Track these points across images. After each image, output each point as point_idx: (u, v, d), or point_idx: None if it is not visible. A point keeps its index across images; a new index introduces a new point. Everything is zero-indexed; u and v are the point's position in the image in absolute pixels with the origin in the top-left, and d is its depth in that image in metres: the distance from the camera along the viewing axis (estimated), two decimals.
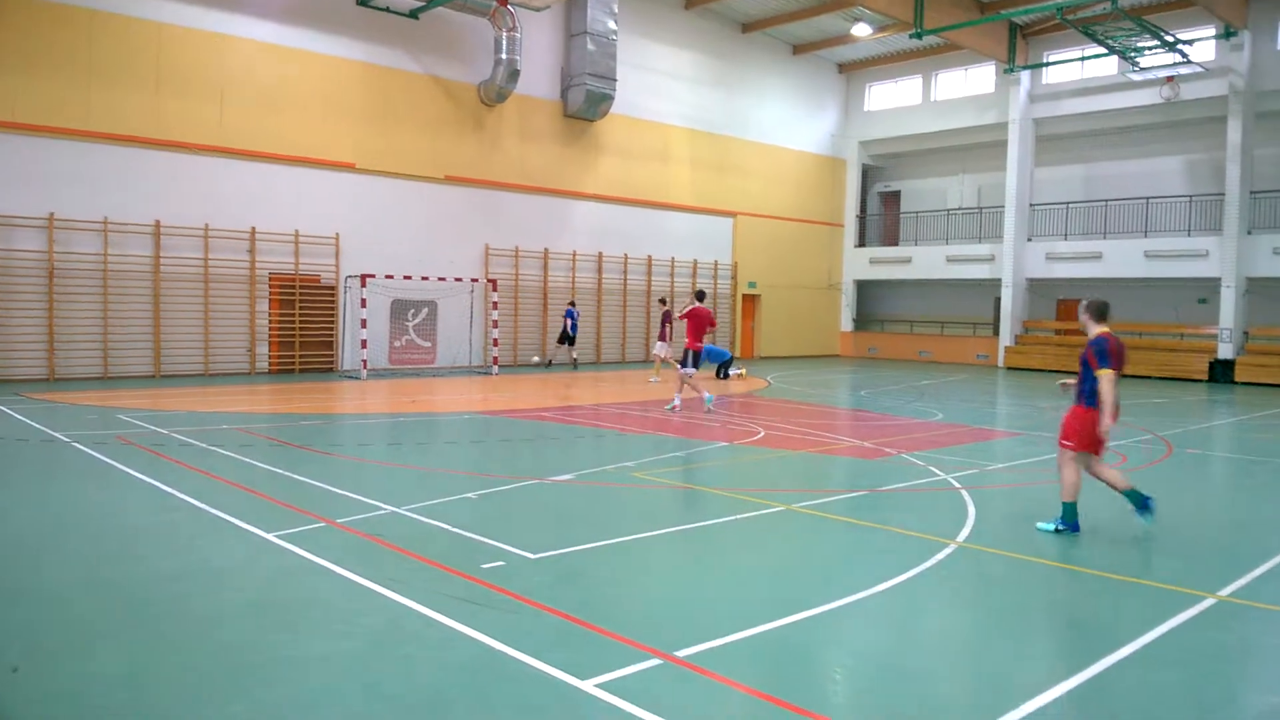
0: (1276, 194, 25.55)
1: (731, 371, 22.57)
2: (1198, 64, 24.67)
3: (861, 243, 34.78)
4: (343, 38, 21.11)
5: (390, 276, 21.08)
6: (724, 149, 29.75)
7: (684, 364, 15.14)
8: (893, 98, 33.21)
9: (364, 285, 20.34)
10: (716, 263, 29.91)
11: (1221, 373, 25.08)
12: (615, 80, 25.25)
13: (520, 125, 24.45)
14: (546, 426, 13.43)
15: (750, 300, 31.33)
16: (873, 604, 5.62)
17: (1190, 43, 24.05)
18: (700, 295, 15.66)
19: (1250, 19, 24.58)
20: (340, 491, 8.43)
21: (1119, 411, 7.10)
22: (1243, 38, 24.52)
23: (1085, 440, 7.38)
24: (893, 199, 35.79)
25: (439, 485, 8.90)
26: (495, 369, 22.45)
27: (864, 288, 35.17)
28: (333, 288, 21.31)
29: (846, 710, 4.22)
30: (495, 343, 22.76)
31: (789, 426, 13.89)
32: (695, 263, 29.16)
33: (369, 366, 20.47)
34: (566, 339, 24.16)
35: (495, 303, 22.88)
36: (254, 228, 20.04)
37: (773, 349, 31.98)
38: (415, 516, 7.50)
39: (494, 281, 23.05)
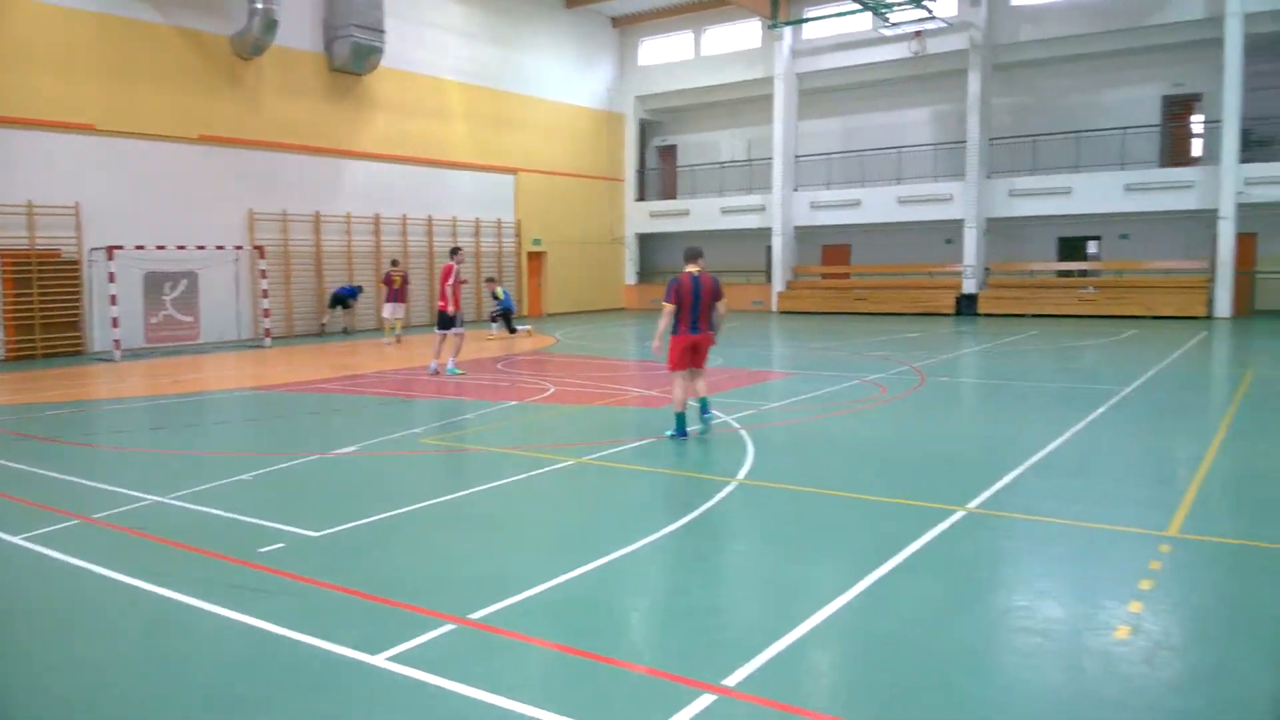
0: (1011, 140, 28.11)
1: (519, 328, 22.50)
2: (942, 19, 26.57)
3: (642, 197, 35.37)
4: None
5: (141, 247, 19.40)
6: (502, 104, 29.26)
7: (445, 326, 14.47)
8: (665, 53, 33.75)
9: (111, 258, 18.60)
10: (500, 221, 29.54)
11: (966, 306, 27.52)
12: (383, 32, 24.18)
13: (281, 80, 22.97)
14: (328, 398, 12.87)
15: (536, 257, 31.21)
16: (663, 546, 5.80)
17: None
18: (454, 252, 14.84)
19: None
20: (95, 485, 7.75)
21: (699, 336, 9.23)
22: None
23: (675, 361, 9.17)
24: (670, 153, 36.56)
25: (209, 469, 8.34)
26: (268, 341, 21.23)
27: (646, 241, 35.86)
28: (75, 262, 19.33)
29: (645, 650, 4.35)
30: (266, 313, 21.50)
31: (578, 381, 14.02)
32: (478, 221, 28.66)
33: (123, 347, 18.80)
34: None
35: (263, 271, 21.58)
36: None
37: (560, 305, 32.08)
38: (183, 505, 7.01)
39: (261, 248, 21.71)
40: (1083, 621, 4.45)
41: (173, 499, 7.17)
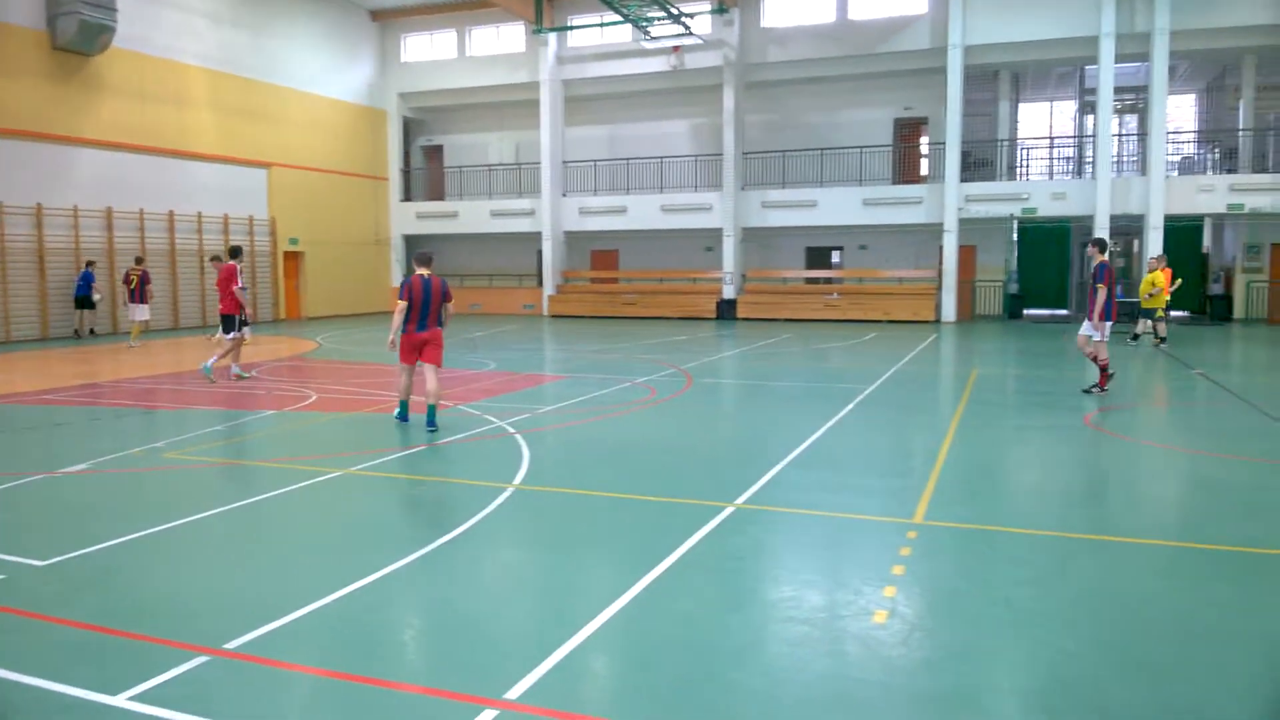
0: (763, 154, 29.75)
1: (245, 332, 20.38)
2: (698, 36, 27.70)
3: (408, 197, 34.42)
4: None
5: None
6: (253, 94, 27.51)
7: (229, 329, 13.97)
8: (429, 51, 33.03)
9: None
10: (252, 218, 27.75)
11: (726, 310, 28.84)
12: (115, 10, 22.06)
13: None
14: (54, 410, 11.55)
15: (293, 258, 29.58)
16: (435, 558, 5.63)
17: (692, 16, 26.89)
18: (235, 252, 14.44)
19: None
20: None
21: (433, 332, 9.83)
22: (733, 14, 27.99)
23: (403, 355, 10.02)
24: (436, 153, 35.82)
25: None
26: None
27: (412, 242, 34.82)
28: None
29: (420, 669, 4.18)
30: None
31: (342, 387, 13.41)
32: (227, 217, 26.77)
33: None
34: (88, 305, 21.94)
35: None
36: None
37: (321, 308, 30.59)
38: None
39: None
40: (844, 608, 4.74)
41: None
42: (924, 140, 29.70)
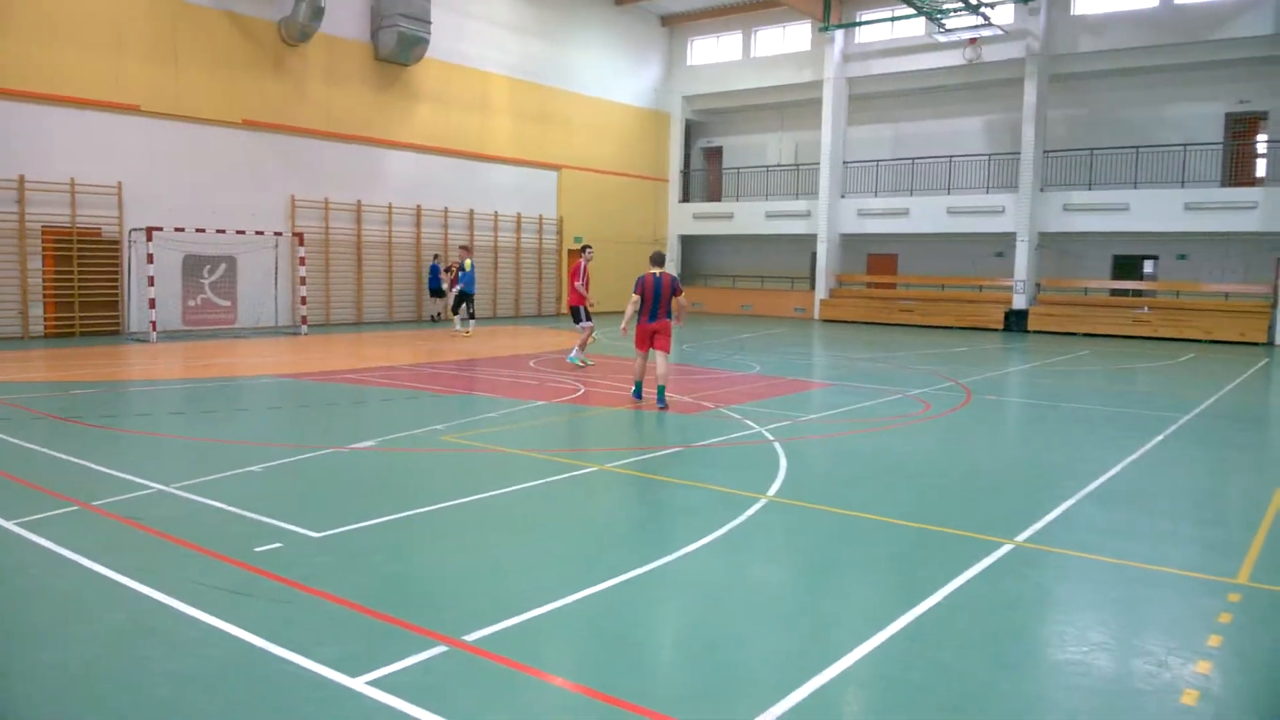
0: (1067, 153, 27.26)
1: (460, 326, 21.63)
2: (998, 27, 25.81)
3: (686, 198, 34.92)
4: None
5: (181, 229, 19.37)
6: (547, 100, 29.01)
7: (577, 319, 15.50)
8: (714, 53, 33.29)
9: (150, 239, 18.58)
10: (541, 217, 29.29)
11: (1016, 322, 26.71)
12: (430, 23, 24.02)
13: (327, 67, 22.90)
14: (355, 390, 12.62)
15: (577, 255, 30.83)
16: (681, 566, 5.39)
17: (992, 5, 25.10)
18: (584, 249, 15.80)
19: None
20: (103, 469, 7.51)
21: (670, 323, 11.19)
22: (1039, 2, 25.84)
23: (637, 342, 11.40)
24: (715, 155, 36.08)
25: (221, 458, 8.07)
26: (304, 329, 21.14)
27: (688, 242, 35.41)
28: (116, 242, 19.38)
29: (654, 691, 3.93)
30: (303, 300, 21.41)
31: (610, 382, 13.63)
32: (519, 217, 28.43)
33: (159, 328, 18.80)
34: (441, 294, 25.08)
35: (303, 258, 21.49)
36: (22, 175, 17.89)
37: (600, 304, 31.61)
38: (186, 495, 6.73)
39: (300, 235, 21.63)
40: (1143, 681, 3.96)
41: (176, 488, 6.90)
42: (1261, 138, 25.91)
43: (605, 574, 5.16)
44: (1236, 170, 25.94)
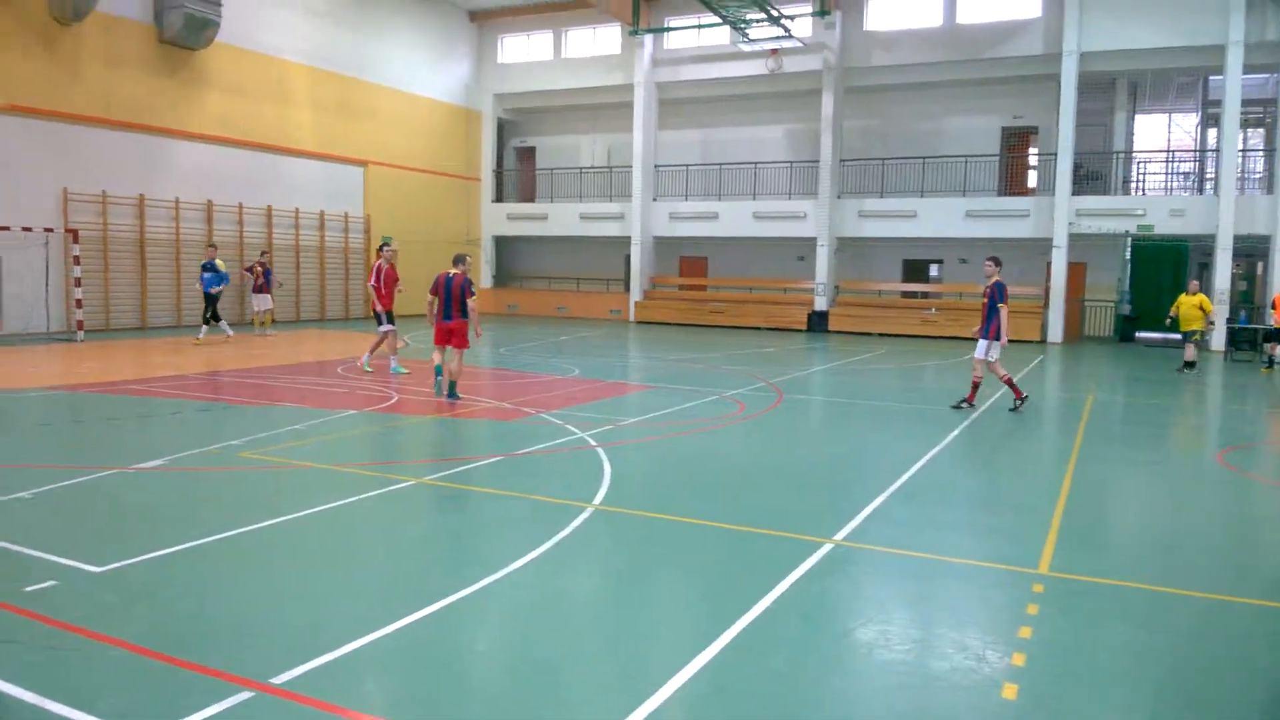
0: (861, 162, 28.80)
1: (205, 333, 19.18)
2: (798, 39, 26.92)
3: (499, 198, 34.44)
4: None
5: None
6: (351, 92, 27.81)
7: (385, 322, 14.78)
8: (525, 52, 32.99)
9: None
10: (347, 215, 28.05)
11: (818, 322, 27.96)
12: (220, 5, 22.46)
13: (105, 49, 20.96)
14: (140, 402, 11.55)
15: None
16: (507, 586, 5.17)
17: (792, 18, 26.15)
18: (383, 248, 15.29)
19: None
20: None
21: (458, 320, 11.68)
22: (835, 17, 27.15)
23: (435, 338, 12.04)
24: (529, 154, 35.80)
25: None
26: (80, 335, 19.25)
27: (503, 243, 34.94)
28: None
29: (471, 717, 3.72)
30: (79, 304, 19.51)
31: (424, 389, 13.16)
32: (323, 214, 27.11)
33: None
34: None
35: (77, 257, 19.55)
36: None
37: (411, 307, 30.55)
38: None
39: (74, 232, 19.69)
40: (966, 677, 4.10)
41: None
42: (1033, 151, 28.35)
43: (425, 599, 4.88)
44: (1011, 180, 28.22)
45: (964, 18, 26.42)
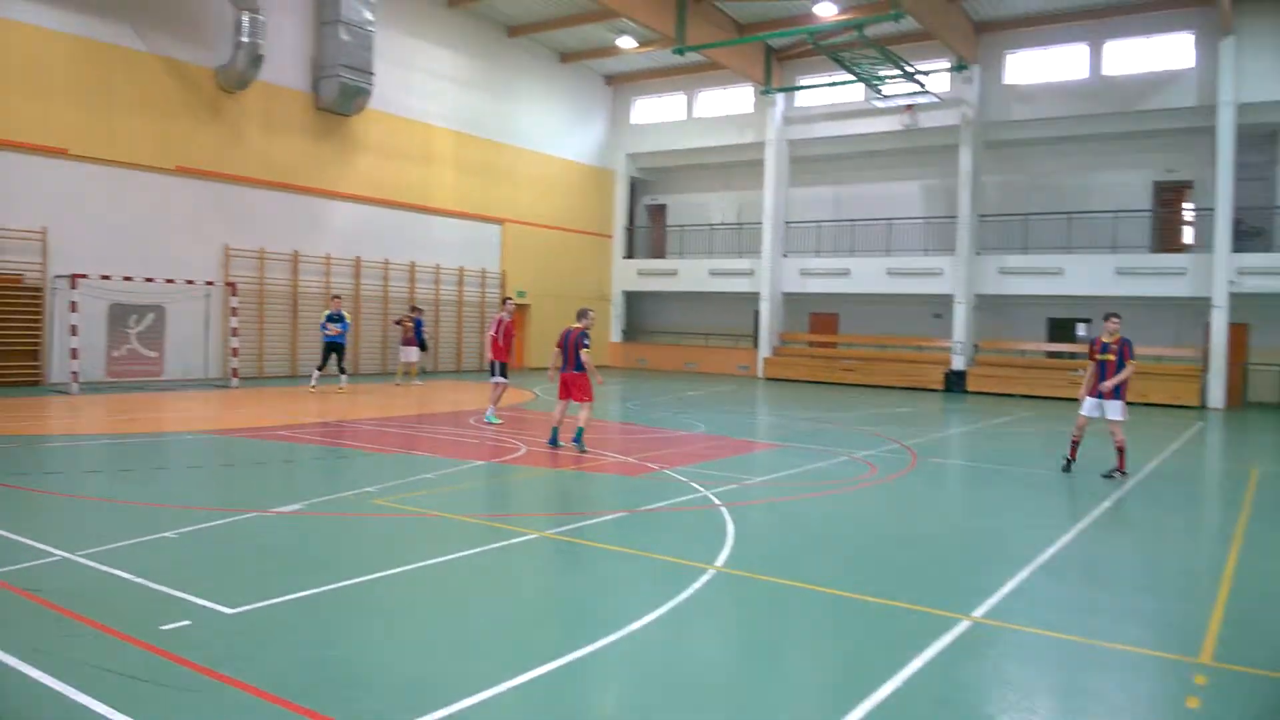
0: (1002, 218, 27.89)
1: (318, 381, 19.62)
2: (934, 94, 26.50)
3: (630, 254, 34.95)
4: (50, 7, 18.46)
5: (108, 277, 18.67)
6: (491, 154, 28.90)
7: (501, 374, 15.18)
8: (658, 112, 33.62)
9: (74, 286, 17.86)
10: (484, 271, 28.98)
11: (955, 382, 26.98)
12: (372, 74, 23.82)
13: (266, 116, 22.49)
14: (285, 447, 12.07)
15: (519, 310, 30.57)
16: (623, 649, 5.04)
17: (928, 74, 25.78)
18: (504, 302, 15.85)
19: (980, 54, 26.73)
20: (4, 534, 6.93)
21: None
22: (973, 71, 26.60)
23: (559, 392, 12.40)
24: (659, 212, 36.27)
25: (134, 522, 7.54)
26: (235, 381, 20.42)
27: (633, 299, 35.36)
28: (39, 289, 18.56)
29: None
30: (235, 352, 20.72)
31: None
32: (462, 270, 28.09)
33: (81, 379, 17.97)
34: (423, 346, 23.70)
35: (235, 308, 20.84)
36: None
37: (543, 360, 31.30)
38: (92, 564, 6.21)
39: (233, 285, 21.01)
40: None
41: (82, 556, 6.37)
42: (1188, 206, 26.85)
43: (542, 657, 4.80)
44: (1165, 237, 26.76)
45: (1110, 69, 25.42)
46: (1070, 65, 26.02)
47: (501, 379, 15.11)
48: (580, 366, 12.08)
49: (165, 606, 5.42)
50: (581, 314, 12.45)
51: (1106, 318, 11.79)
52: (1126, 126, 25.93)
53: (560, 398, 12.35)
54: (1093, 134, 26.66)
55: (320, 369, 19.48)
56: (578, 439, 12.06)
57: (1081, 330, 27.80)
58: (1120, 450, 11.48)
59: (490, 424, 14.79)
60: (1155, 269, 24.79)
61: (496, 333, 15.11)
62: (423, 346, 23.43)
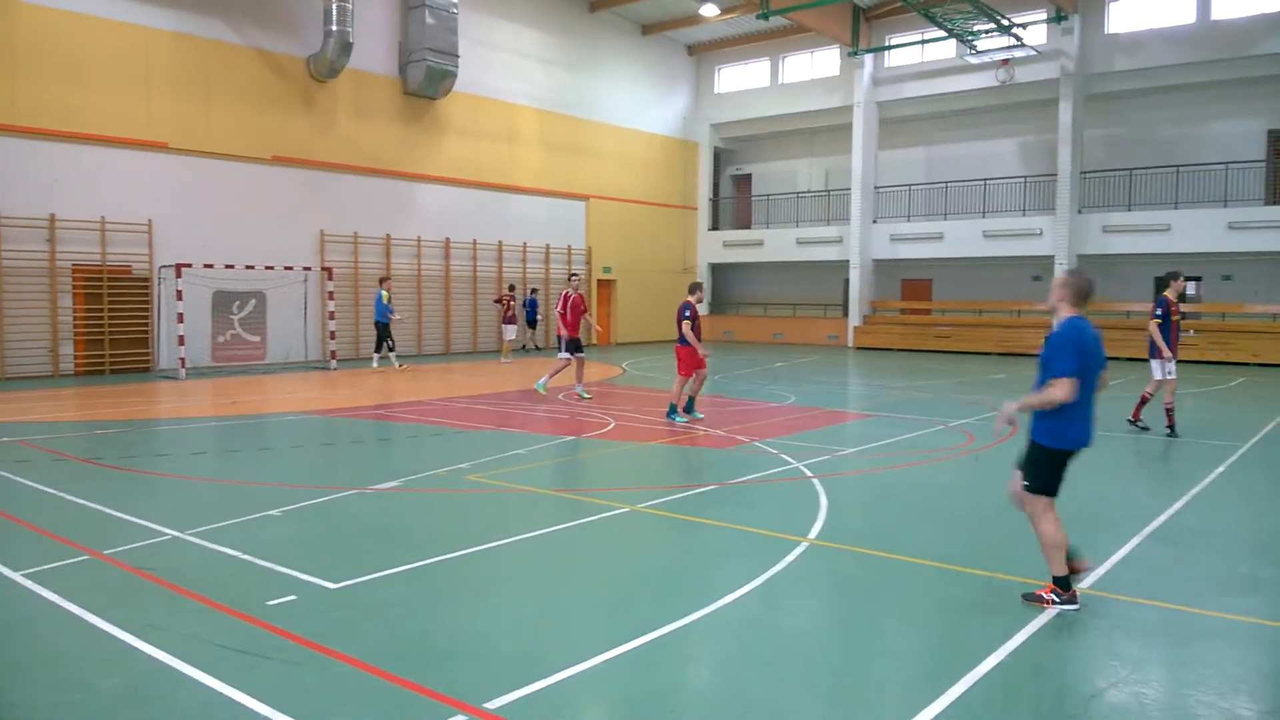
0: (1105, 174, 26.71)
1: (378, 362, 20.83)
2: (1031, 47, 25.41)
3: (715, 226, 34.68)
4: (150, 5, 19.15)
5: (210, 266, 19.40)
6: (574, 130, 28.95)
7: (567, 350, 15.21)
8: (742, 80, 33.14)
9: (179, 275, 18.61)
10: (570, 247, 29.14)
11: None
12: (458, 57, 24.06)
13: (355, 102, 22.96)
14: (381, 426, 12.39)
15: (606, 285, 30.70)
16: (717, 621, 5.02)
17: (1025, 26, 24.75)
18: (571, 278, 15.82)
19: (1080, 2, 25.52)
20: (118, 514, 7.28)
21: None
22: (1073, 21, 25.43)
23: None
24: (744, 182, 35.85)
25: (240, 501, 7.83)
26: (333, 364, 21.03)
27: (718, 271, 35.12)
28: (146, 279, 19.41)
29: None
30: (333, 335, 21.33)
31: (641, 416, 13.30)
32: (548, 248, 28.30)
33: (188, 365, 18.75)
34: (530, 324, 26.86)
35: (331, 292, 21.43)
36: (53, 214, 17.99)
37: (630, 334, 31.48)
38: (201, 542, 6.48)
39: (329, 269, 21.59)
40: None
41: (191, 535, 6.65)
42: None
43: (636, 630, 4.81)
44: None
45: (1220, 13, 23.97)
46: (1176, 10, 24.63)
47: (566, 355, 15.07)
48: (684, 340, 12.28)
49: (271, 582, 5.61)
50: (691, 287, 12.71)
51: (1177, 276, 11.71)
52: (1237, 73, 24.46)
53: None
54: (1201, 82, 25.23)
55: (386, 351, 20.28)
56: (670, 411, 12.43)
57: (1191, 289, 26.50)
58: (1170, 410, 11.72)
59: (539, 392, 15.30)
60: (1270, 222, 23.40)
61: (564, 308, 15.12)
62: (532, 324, 26.13)
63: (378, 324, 20.34)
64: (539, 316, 27.23)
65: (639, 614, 5.17)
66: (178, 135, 19.71)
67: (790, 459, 9.70)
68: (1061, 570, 5.11)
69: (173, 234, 19.59)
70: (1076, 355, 4.98)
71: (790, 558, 6.14)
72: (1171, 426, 11.60)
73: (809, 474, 8.96)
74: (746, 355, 26.15)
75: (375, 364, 20.66)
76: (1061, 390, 4.94)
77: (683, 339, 12.28)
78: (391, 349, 20.44)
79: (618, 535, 7.02)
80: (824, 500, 7.83)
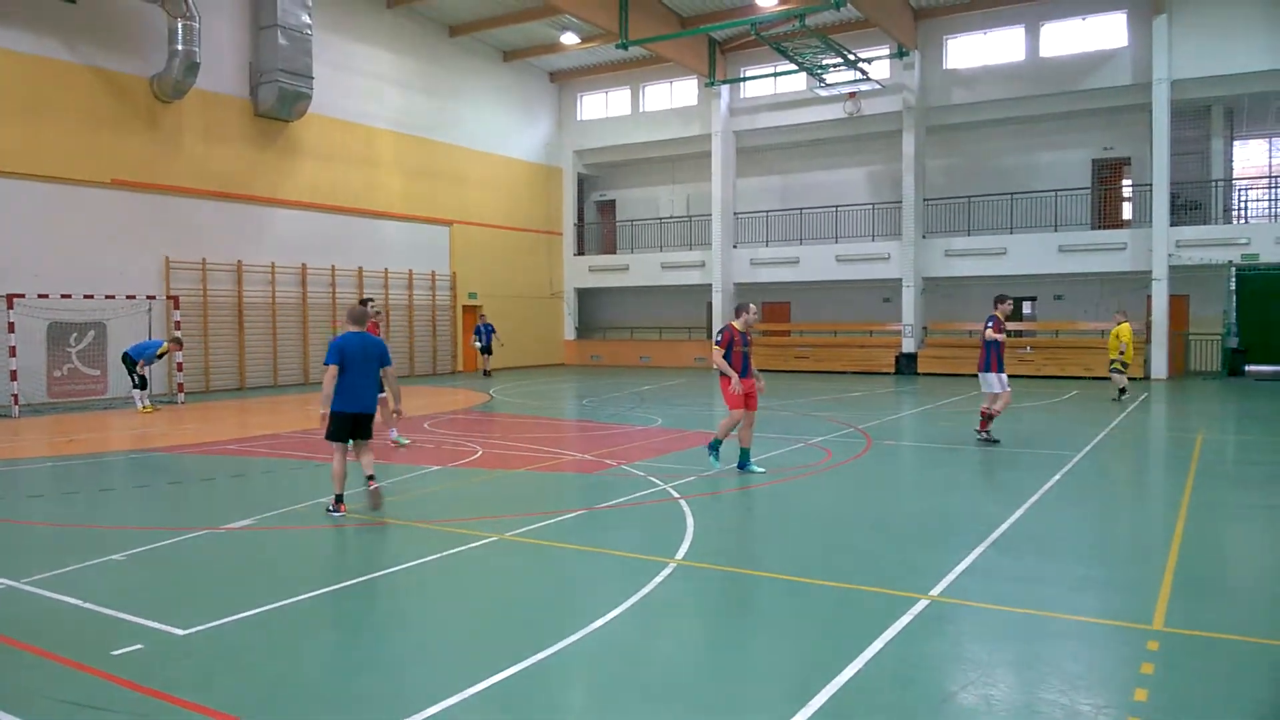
0: (946, 201, 28.29)
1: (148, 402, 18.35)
2: (876, 81, 26.76)
3: (581, 251, 34.87)
4: None
5: (45, 295, 18.17)
6: (436, 155, 28.62)
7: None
8: (604, 108, 33.57)
9: (10, 306, 17.37)
10: (434, 273, 28.71)
11: (906, 365, 27.34)
12: (312, 78, 23.44)
13: (204, 124, 22.04)
14: (235, 462, 11.85)
15: (471, 311, 30.35)
16: (588, 647, 5.03)
17: (869, 61, 26.05)
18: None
19: (920, 40, 27.05)
20: None
21: None
22: (914, 57, 26.94)
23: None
24: (609, 207, 36.23)
25: (80, 546, 7.35)
26: (181, 397, 19.98)
27: (585, 295, 35.29)
28: None
29: None
30: (180, 367, 20.29)
31: (509, 443, 13.21)
32: (411, 273, 27.79)
33: (21, 401, 17.48)
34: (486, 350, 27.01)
35: (178, 322, 20.39)
36: None
37: (497, 361, 31.08)
38: (38, 591, 6.05)
39: (175, 298, 20.56)
40: None
41: (27, 584, 6.20)
42: (1127, 182, 27.45)
43: (507, 660, 4.76)
44: (1105, 213, 27.32)
45: (1047, 51, 25.90)
46: (1008, 48, 26.48)
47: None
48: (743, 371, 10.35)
49: (116, 631, 5.29)
50: (737, 309, 10.48)
51: (1004, 299, 13.27)
52: (1064, 106, 26.45)
53: (738, 406, 10.45)
54: (1032, 115, 27.14)
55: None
56: (711, 448, 10.61)
57: (1028, 309, 28.32)
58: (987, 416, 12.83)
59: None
60: (1097, 245, 25.33)
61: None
62: (487, 350, 26.89)
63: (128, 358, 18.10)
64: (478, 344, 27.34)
65: (509, 644, 5.12)
66: (7, 157, 18.44)
67: (658, 480, 9.82)
68: None
69: (4, 262, 18.26)
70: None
71: (658, 579, 6.21)
72: (988, 432, 12.72)
73: (676, 495, 9.09)
74: (614, 379, 26.32)
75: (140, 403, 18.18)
76: None
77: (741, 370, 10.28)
78: (142, 386, 18.26)
79: (487, 565, 6.94)
80: (690, 521, 7.96)
